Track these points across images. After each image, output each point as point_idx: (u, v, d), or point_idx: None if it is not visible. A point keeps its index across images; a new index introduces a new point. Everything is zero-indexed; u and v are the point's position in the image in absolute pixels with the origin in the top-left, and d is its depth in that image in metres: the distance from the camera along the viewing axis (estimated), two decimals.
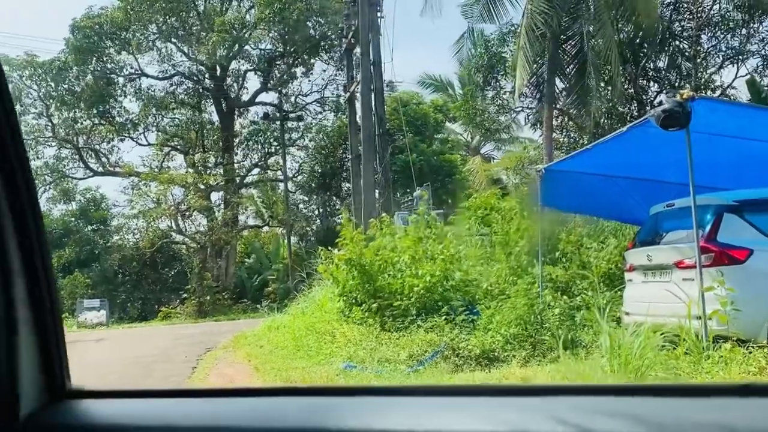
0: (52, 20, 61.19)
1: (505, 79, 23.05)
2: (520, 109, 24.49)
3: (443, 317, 9.54)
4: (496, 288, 10.66)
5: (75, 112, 31.36)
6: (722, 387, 0.96)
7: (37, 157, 31.32)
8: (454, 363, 8.11)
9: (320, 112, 33.99)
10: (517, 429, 0.94)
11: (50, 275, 1.18)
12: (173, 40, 31.26)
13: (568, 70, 20.14)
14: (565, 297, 9.93)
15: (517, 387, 1.04)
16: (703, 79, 21.70)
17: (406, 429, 0.99)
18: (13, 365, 1.09)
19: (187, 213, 31.04)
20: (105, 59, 30.95)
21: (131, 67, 31.78)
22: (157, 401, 1.27)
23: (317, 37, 30.72)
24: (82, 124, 31.94)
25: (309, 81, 33.49)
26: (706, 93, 19.46)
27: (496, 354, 8.38)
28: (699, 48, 21.60)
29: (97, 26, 29.59)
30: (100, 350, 14.46)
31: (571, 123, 23.35)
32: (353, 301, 10.82)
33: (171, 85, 32.29)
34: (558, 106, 21.70)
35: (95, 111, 31.09)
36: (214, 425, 1.09)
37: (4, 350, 1.07)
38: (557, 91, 20.86)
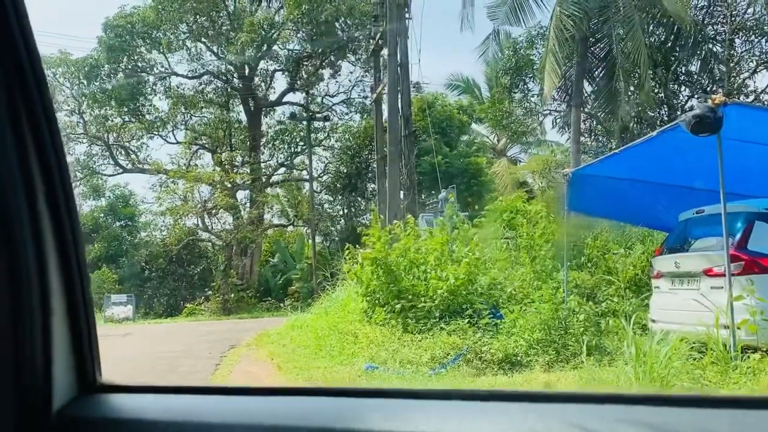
0: (85, 18, 62.30)
1: (533, 81, 22.90)
2: (548, 112, 24.33)
3: (466, 320, 9.50)
4: (520, 292, 10.57)
5: (106, 109, 31.96)
6: (745, 399, 0.94)
7: (69, 154, 31.89)
8: (476, 367, 8.07)
9: (347, 113, 34.20)
10: None
11: (84, 271, 1.20)
12: (203, 39, 31.65)
13: (596, 73, 19.94)
14: (590, 303, 9.82)
15: (539, 393, 1.03)
16: (735, 84, 21.30)
17: None
18: (48, 358, 1.12)
19: (213, 211, 31.39)
20: (136, 58, 31.50)
21: (161, 66, 32.30)
22: (186, 397, 1.30)
23: (345, 38, 30.83)
24: (112, 121, 32.56)
25: (336, 82, 33.77)
26: (738, 98, 19.09)
27: (518, 359, 8.32)
28: (732, 52, 21.21)
29: (129, 25, 30.11)
30: (126, 345, 14.67)
31: (599, 127, 23.11)
32: (376, 301, 10.81)
33: (200, 84, 32.77)
34: (586, 109, 21.49)
35: (126, 109, 31.64)
36: (241, 423, 1.11)
37: (40, 344, 1.10)
38: (585, 94, 20.67)
